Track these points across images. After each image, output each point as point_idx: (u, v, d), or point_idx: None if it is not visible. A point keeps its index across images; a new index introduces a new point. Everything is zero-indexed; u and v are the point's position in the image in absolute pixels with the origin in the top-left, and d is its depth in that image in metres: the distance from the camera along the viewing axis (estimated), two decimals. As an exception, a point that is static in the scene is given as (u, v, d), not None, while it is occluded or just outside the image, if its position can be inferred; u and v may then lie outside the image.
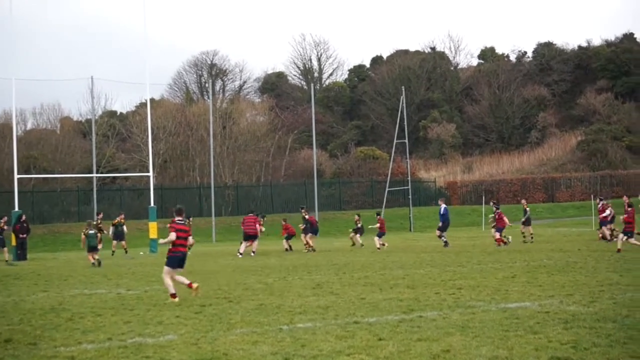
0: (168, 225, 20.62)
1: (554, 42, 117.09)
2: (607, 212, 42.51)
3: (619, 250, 32.02)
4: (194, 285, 19.58)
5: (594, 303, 16.77)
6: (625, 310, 15.48)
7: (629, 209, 33.55)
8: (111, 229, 44.69)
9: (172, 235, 19.38)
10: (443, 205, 42.33)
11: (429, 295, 18.99)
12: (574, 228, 60.51)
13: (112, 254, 44.47)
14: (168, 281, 19.39)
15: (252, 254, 39.93)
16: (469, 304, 17.15)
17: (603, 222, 42.62)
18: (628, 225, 33.00)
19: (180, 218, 19.83)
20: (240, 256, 38.93)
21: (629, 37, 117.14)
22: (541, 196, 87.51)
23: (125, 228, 44.70)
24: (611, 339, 12.53)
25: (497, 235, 41.30)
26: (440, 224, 42.16)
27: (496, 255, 33.08)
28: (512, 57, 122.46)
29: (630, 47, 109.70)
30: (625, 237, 32.68)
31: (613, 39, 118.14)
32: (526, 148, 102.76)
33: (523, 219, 45.76)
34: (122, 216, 45.21)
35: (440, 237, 41.89)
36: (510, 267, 26.87)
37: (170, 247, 19.63)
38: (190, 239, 20.53)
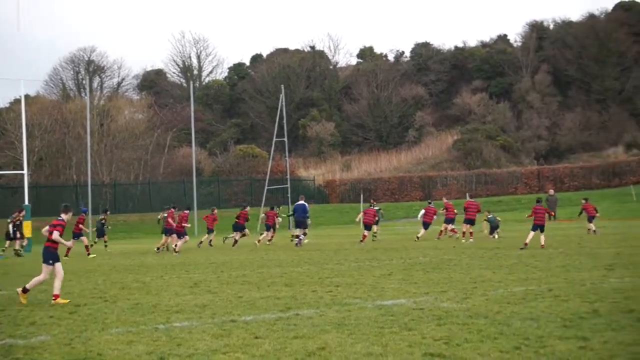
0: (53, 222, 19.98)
1: (431, 43, 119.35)
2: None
3: (525, 245, 32.90)
4: (58, 300, 18.49)
5: (467, 299, 17.11)
6: (497, 306, 15.84)
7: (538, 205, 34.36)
8: None
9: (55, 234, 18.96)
10: (300, 202, 42.56)
11: (306, 293, 19.06)
12: (451, 225, 61.52)
13: None
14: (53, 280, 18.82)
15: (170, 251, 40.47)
16: (346, 302, 17.28)
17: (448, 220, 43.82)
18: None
19: (65, 216, 19.49)
20: (177, 254, 38.38)
21: (503, 38, 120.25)
22: (418, 194, 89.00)
23: None
24: (482, 335, 12.81)
25: (450, 226, 42.09)
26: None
27: (373, 253, 33.45)
28: (391, 57, 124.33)
29: (504, 48, 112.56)
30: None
31: (488, 40, 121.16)
32: (404, 147, 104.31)
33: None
34: None
35: (296, 236, 42.24)
36: (387, 264, 27.19)
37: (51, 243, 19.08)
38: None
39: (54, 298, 18.48)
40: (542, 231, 33.35)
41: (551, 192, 60.88)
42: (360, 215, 44.27)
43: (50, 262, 18.96)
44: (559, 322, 13.73)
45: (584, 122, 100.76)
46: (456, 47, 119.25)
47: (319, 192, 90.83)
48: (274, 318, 15.21)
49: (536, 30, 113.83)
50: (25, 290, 18.76)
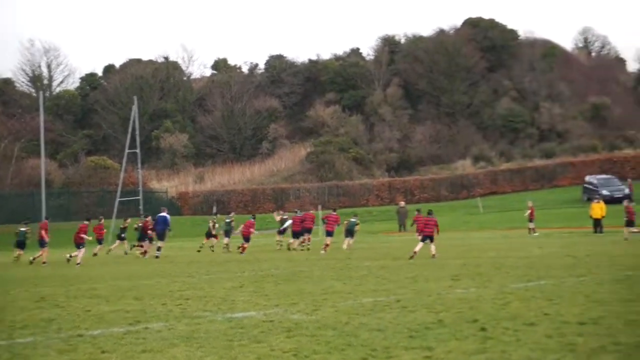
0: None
1: (285, 55, 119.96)
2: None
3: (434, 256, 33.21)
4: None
5: (316, 311, 17.24)
6: (346, 318, 16.02)
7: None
8: None
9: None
10: (162, 214, 42.04)
11: (155, 307, 18.83)
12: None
13: None
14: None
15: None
16: (196, 315, 17.16)
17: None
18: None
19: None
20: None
21: (356, 51, 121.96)
22: (271, 206, 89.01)
23: None
24: (330, 346, 12.93)
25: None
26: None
27: (226, 266, 33.34)
28: (245, 69, 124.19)
29: (357, 62, 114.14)
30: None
31: (341, 53, 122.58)
32: (257, 159, 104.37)
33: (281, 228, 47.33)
34: None
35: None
36: (239, 277, 27.14)
37: None
38: None
39: None
40: (431, 241, 33.69)
41: (402, 204, 62.22)
42: (278, 219, 46.05)
43: None
44: (405, 333, 13.98)
45: (433, 135, 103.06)
46: (310, 60, 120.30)
47: (171, 204, 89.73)
48: (122, 332, 14.97)
49: (388, 44, 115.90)
50: None
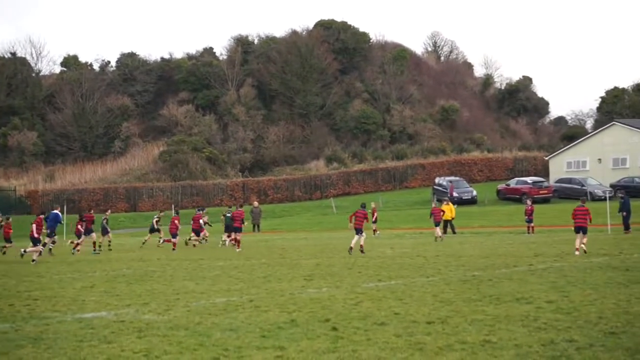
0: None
1: (137, 53, 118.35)
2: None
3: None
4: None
5: (168, 311, 17.12)
6: (198, 318, 15.97)
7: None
8: None
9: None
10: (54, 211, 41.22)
11: (2, 307, 18.32)
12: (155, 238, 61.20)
13: None
14: None
15: None
16: (44, 315, 16.79)
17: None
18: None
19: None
20: None
21: (209, 51, 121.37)
22: (124, 205, 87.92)
23: None
24: (182, 346, 12.88)
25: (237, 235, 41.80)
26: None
27: (76, 265, 32.68)
28: (96, 66, 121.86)
29: (210, 61, 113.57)
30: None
31: (194, 52, 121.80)
32: (109, 157, 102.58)
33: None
34: None
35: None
36: (90, 277, 26.66)
37: None
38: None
39: None
40: (360, 234, 34.97)
41: (255, 204, 62.25)
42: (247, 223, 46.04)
43: None
44: (257, 333, 14.04)
45: (287, 135, 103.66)
46: (162, 59, 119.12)
47: (20, 202, 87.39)
48: (-34, 336, 14.51)
49: (241, 44, 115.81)
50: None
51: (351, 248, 34.61)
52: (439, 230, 44.29)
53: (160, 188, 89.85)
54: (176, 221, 43.24)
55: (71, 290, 22.18)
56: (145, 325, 15.20)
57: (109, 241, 46.67)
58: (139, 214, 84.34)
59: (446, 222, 49.22)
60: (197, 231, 45.82)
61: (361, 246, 34.82)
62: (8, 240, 43.83)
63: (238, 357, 11.97)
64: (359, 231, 35.14)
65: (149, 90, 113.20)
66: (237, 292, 20.50)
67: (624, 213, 45.12)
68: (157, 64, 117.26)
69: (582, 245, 30.26)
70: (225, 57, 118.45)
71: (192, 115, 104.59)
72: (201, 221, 46.64)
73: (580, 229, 31.08)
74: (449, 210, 49.30)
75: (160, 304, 18.48)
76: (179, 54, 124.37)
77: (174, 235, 42.95)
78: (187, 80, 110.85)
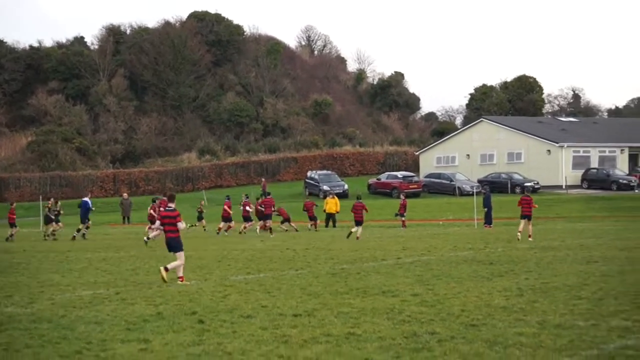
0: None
1: (4, 40, 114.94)
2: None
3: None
4: (164, 274, 20.17)
5: (32, 304, 16.78)
6: (62, 310, 15.70)
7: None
8: None
9: (157, 223, 20.73)
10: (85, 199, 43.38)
11: None
12: (23, 229, 59.79)
13: None
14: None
15: None
16: None
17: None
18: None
19: (170, 205, 21.15)
20: None
21: (79, 40, 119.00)
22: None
23: None
24: (44, 339, 12.64)
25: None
26: None
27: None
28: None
29: (81, 50, 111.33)
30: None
31: (64, 41, 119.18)
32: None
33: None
34: None
35: None
36: (-50, 269, 25.85)
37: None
38: (180, 224, 20.95)
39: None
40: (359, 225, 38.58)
41: (125, 195, 61.46)
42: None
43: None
44: (123, 325, 13.90)
45: (159, 127, 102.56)
46: (31, 47, 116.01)
47: None
48: None
49: (113, 34, 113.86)
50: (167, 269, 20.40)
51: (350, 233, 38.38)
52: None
53: (28, 179, 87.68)
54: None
55: None
56: (7, 318, 14.86)
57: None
58: (5, 205, 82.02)
59: (330, 215, 49.47)
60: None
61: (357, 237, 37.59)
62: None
63: (101, 350, 11.81)
64: (359, 223, 38.73)
65: (17, 79, 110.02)
66: (104, 285, 20.22)
67: (486, 208, 46.33)
68: (26, 52, 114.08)
69: (529, 231, 34.08)
70: (96, 46, 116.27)
71: (61, 105, 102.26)
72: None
73: (526, 217, 34.52)
74: (334, 204, 49.55)
75: (23, 296, 18.08)
76: (48, 43, 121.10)
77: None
78: (56, 70, 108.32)
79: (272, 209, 44.87)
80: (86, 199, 44.63)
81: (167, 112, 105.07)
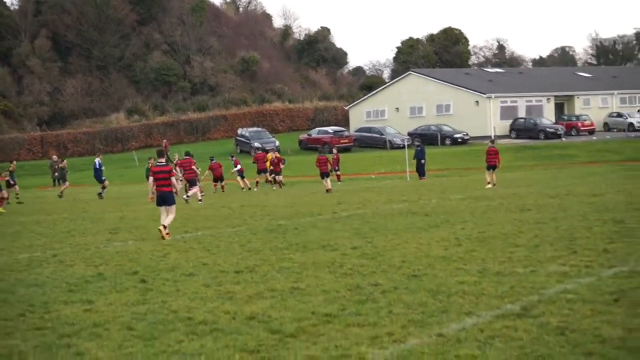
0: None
1: None
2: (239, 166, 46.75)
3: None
4: (164, 232, 20.65)
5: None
6: (1, 275, 15.51)
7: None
8: None
9: (150, 179, 21.90)
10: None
11: None
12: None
13: None
14: (161, 220, 21.23)
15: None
16: None
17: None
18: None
19: (160, 160, 21.68)
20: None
21: (2, 2, 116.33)
22: None
23: None
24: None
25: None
26: None
27: None
28: None
29: (1, 11, 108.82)
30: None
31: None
32: None
33: None
34: None
35: None
36: None
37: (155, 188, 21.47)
38: (174, 179, 21.60)
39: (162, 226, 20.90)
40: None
41: (54, 157, 60.59)
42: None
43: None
44: (64, 287, 13.80)
45: (85, 88, 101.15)
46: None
47: None
48: None
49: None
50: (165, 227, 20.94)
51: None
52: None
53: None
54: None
55: None
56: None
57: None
58: None
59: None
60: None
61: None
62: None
63: (45, 312, 11.72)
64: (325, 175, 39.86)
65: None
66: (40, 248, 20.01)
67: (423, 161, 46.66)
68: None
69: (493, 180, 36.01)
70: (16, 7, 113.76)
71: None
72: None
73: (491, 167, 36.56)
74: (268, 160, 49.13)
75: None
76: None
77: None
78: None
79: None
80: (96, 160, 44.09)
81: (93, 72, 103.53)
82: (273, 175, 45.78)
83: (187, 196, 36.12)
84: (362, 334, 9.74)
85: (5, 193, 38.10)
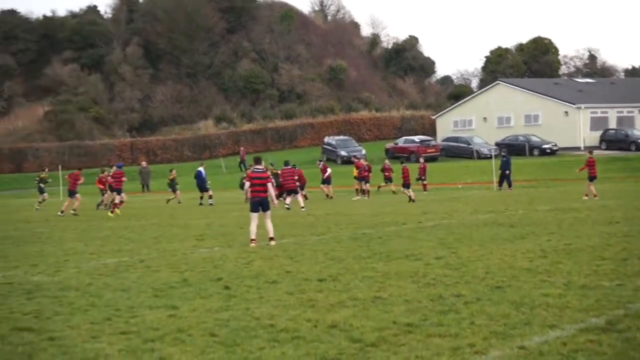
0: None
1: (18, 10, 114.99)
2: (329, 171, 46.19)
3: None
4: (272, 242, 21.08)
5: (58, 272, 16.91)
6: (88, 278, 15.82)
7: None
8: None
9: (246, 185, 22.13)
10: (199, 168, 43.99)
11: None
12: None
13: None
14: (252, 226, 21.23)
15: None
16: None
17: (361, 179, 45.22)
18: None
19: (258, 167, 21.86)
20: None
21: (93, 9, 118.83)
22: (9, 167, 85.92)
23: None
24: (73, 307, 12.75)
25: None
26: None
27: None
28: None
29: (95, 20, 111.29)
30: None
31: (78, 10, 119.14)
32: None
33: None
34: None
35: None
36: (-26, 240, 26.07)
37: (249, 194, 21.72)
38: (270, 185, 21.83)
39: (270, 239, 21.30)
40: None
41: (144, 164, 61.62)
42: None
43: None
44: (150, 292, 14.00)
45: (175, 95, 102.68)
46: (45, 16, 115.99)
47: None
48: None
49: (127, 2, 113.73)
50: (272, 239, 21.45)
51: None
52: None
53: (47, 148, 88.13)
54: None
55: (-45, 253, 21.68)
56: (35, 286, 14.99)
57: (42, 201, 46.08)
58: (24, 175, 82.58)
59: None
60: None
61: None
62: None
63: (131, 316, 11.92)
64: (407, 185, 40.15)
65: (32, 48, 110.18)
66: (128, 253, 20.35)
67: (508, 172, 46.14)
68: (40, 22, 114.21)
69: (592, 191, 34.91)
70: (109, 15, 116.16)
71: (77, 75, 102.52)
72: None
73: (593, 178, 35.57)
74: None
75: (49, 265, 18.22)
76: (62, 12, 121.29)
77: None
78: (71, 39, 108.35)
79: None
80: (200, 169, 44.59)
81: (183, 80, 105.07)
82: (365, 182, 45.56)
83: (287, 204, 36.55)
84: (443, 344, 9.69)
85: (123, 197, 38.67)
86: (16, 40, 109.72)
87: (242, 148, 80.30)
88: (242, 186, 46.67)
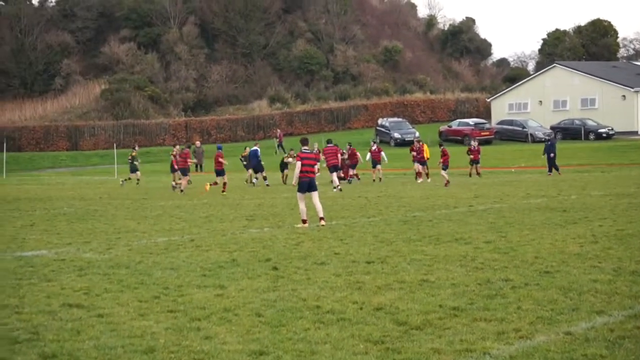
0: (296, 154, 24.10)
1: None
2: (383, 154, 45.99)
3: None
4: (322, 222, 21.26)
5: (109, 250, 17.13)
6: (139, 257, 16.00)
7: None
8: None
9: (298, 164, 21.52)
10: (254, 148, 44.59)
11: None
12: (97, 177, 60.92)
13: None
14: (301, 206, 21.35)
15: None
16: (-17, 255, 16.67)
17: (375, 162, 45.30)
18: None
19: (306, 147, 21.92)
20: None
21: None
22: (65, 144, 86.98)
23: None
24: (123, 284, 12.92)
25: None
26: None
27: (15, 204, 32.37)
28: (35, 1, 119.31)
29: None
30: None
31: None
32: (50, 95, 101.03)
33: None
34: None
35: None
36: (30, 215, 26.51)
37: (299, 174, 21.45)
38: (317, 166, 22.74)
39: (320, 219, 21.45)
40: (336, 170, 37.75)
41: (198, 143, 61.99)
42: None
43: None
44: (198, 271, 14.12)
45: (230, 75, 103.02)
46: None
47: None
48: None
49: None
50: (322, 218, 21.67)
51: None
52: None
53: (102, 127, 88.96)
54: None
55: (10, 228, 22.03)
56: (86, 263, 15.20)
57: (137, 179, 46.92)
58: (81, 152, 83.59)
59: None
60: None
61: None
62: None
63: (179, 295, 12.04)
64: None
65: (90, 27, 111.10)
66: (179, 232, 20.54)
67: (552, 154, 45.21)
68: (98, 1, 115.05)
69: None
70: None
71: (133, 54, 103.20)
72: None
73: None
74: (425, 151, 48.45)
75: (101, 242, 18.47)
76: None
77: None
78: (128, 18, 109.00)
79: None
80: (255, 147, 44.87)
81: (238, 59, 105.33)
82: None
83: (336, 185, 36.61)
84: (489, 328, 9.66)
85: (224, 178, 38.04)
86: (75, 19, 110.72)
87: (278, 130, 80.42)
88: (282, 168, 46.90)
